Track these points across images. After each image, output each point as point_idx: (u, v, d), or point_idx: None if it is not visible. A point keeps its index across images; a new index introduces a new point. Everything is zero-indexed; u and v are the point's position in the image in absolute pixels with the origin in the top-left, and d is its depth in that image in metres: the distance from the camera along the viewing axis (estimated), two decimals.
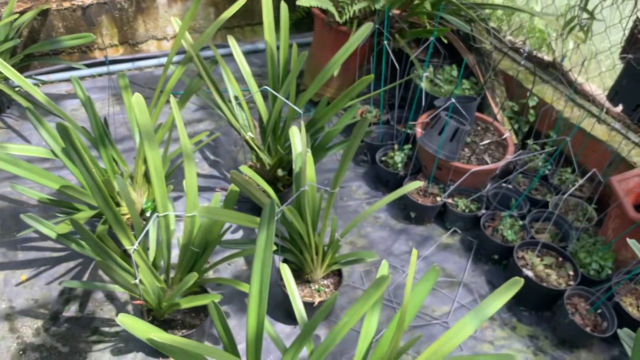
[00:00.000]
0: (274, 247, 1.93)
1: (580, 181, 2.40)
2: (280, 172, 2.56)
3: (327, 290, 2.22)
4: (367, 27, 2.47)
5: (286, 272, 1.88)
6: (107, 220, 1.73)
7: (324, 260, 2.18)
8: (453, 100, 2.43)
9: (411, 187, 2.11)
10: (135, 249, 1.78)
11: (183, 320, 2.09)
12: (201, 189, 2.88)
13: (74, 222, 1.62)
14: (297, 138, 2.21)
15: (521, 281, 1.38)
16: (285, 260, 2.21)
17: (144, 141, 1.72)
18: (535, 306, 2.36)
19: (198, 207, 1.81)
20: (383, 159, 2.92)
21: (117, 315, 2.27)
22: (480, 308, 1.41)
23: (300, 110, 2.32)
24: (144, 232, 1.78)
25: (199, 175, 2.98)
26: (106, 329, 2.23)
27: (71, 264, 2.46)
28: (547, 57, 3.25)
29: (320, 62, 3.34)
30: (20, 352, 2.13)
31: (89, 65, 3.59)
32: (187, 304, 1.94)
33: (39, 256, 2.49)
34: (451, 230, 2.69)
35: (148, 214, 2.40)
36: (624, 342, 1.67)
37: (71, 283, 1.98)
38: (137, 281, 1.85)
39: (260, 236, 1.64)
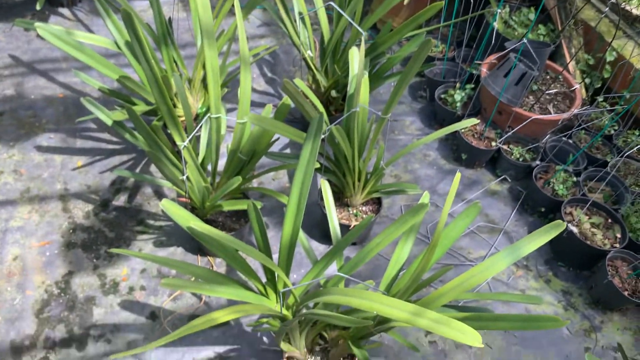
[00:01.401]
0: (317, 165, 1.95)
1: None
2: (334, 94, 2.53)
3: (364, 216, 2.23)
4: None
5: (326, 188, 1.90)
6: (162, 117, 1.77)
7: (365, 187, 2.18)
8: (525, 40, 2.31)
9: (467, 123, 2.04)
10: (185, 146, 1.83)
11: (224, 223, 2.16)
12: (255, 104, 2.90)
13: (130, 110, 1.66)
14: (356, 59, 2.17)
15: (563, 225, 1.34)
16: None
17: (203, 39, 1.72)
18: (575, 263, 2.31)
19: (249, 114, 1.82)
20: (442, 96, 2.84)
21: (162, 211, 2.38)
22: (516, 247, 1.38)
23: (363, 31, 2.26)
24: (196, 130, 1.81)
25: (254, 90, 3.00)
26: (151, 222, 2.34)
27: (124, 157, 2.56)
28: (636, 11, 3.02)
29: None
30: (71, 231, 2.27)
31: None
32: (229, 206, 2.00)
33: (95, 146, 2.60)
34: (501, 177, 2.63)
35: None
36: None
37: (123, 172, 2.06)
38: (184, 177, 1.91)
39: (305, 147, 1.65)
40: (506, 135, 2.59)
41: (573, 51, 2.96)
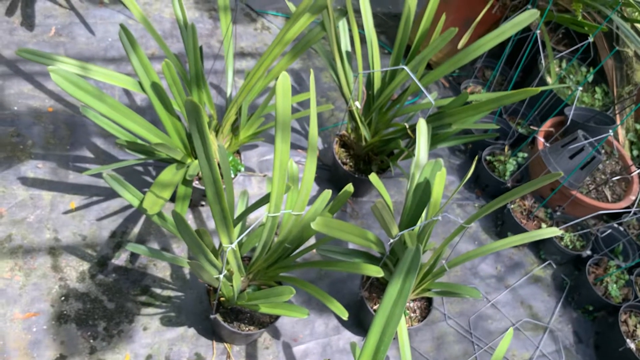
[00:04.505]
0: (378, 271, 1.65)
1: None
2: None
3: (412, 315, 1.96)
4: (531, 14, 2.01)
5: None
6: (213, 215, 1.40)
7: (420, 285, 1.90)
8: (611, 133, 2.04)
9: (548, 233, 1.78)
10: (232, 248, 1.48)
11: (252, 315, 1.84)
12: None
13: (176, 214, 1.30)
14: (423, 139, 1.86)
15: None
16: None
17: (277, 131, 1.36)
18: None
19: (316, 218, 1.48)
20: (488, 157, 2.56)
21: (171, 276, 2.02)
22: None
23: (432, 101, 1.94)
24: (247, 231, 1.47)
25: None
26: (157, 291, 1.99)
27: (126, 200, 2.16)
28: None
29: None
30: (62, 298, 1.89)
31: None
32: (268, 309, 1.67)
33: (93, 182, 2.18)
34: (546, 262, 2.40)
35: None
36: None
37: (137, 248, 1.68)
38: (220, 276, 1.57)
39: (393, 285, 1.35)
40: (565, 225, 2.33)
41: (625, 122, 2.74)
